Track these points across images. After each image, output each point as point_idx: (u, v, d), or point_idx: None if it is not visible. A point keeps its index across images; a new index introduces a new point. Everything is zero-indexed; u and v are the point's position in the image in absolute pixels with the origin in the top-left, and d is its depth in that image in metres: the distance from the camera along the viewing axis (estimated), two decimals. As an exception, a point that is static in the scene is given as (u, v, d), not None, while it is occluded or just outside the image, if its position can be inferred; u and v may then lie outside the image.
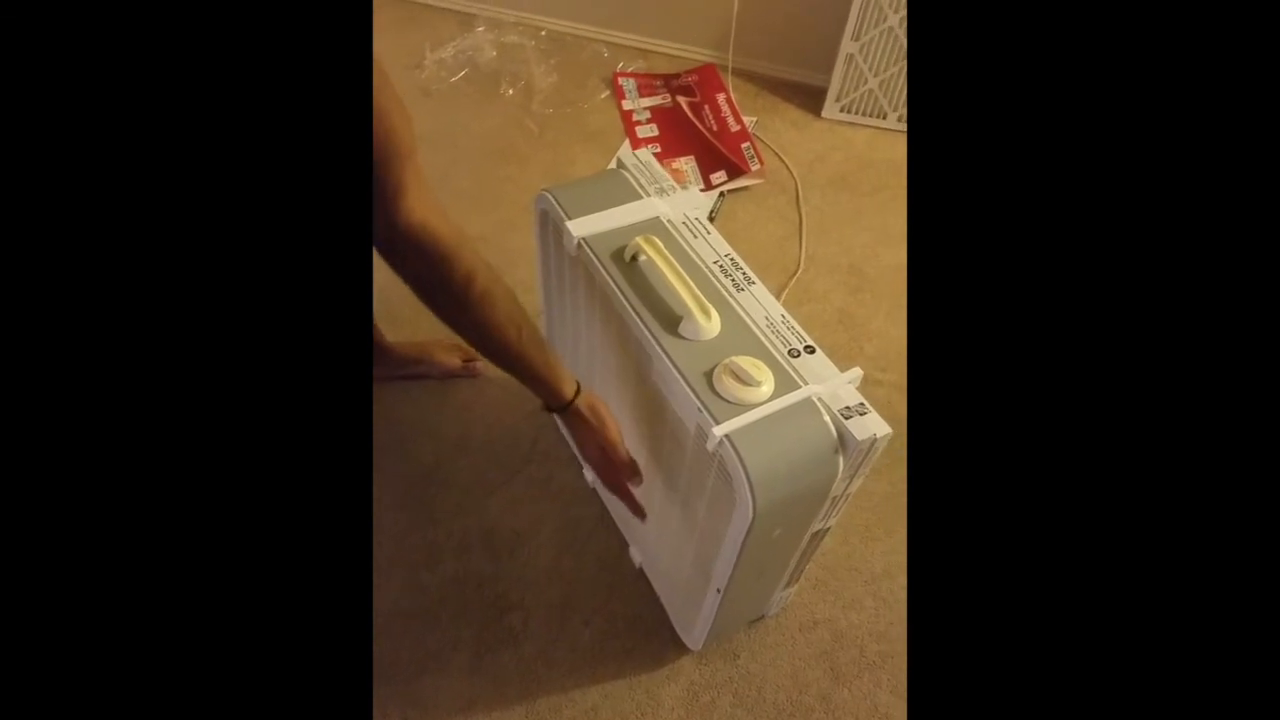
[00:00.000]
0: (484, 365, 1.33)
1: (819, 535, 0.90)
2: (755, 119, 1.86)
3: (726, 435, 0.73)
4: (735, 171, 1.71)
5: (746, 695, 1.04)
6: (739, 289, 0.86)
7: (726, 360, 0.78)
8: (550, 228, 0.97)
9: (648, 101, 1.89)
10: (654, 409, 0.88)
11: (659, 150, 1.78)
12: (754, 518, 0.73)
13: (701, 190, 1.70)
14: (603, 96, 1.90)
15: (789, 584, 1.02)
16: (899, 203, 1.70)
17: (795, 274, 1.54)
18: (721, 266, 0.88)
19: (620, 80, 1.93)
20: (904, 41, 1.72)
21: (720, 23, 1.91)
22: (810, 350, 0.81)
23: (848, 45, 1.76)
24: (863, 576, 1.16)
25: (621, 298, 0.85)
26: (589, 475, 1.21)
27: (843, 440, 0.75)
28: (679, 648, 1.07)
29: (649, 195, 0.94)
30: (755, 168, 1.71)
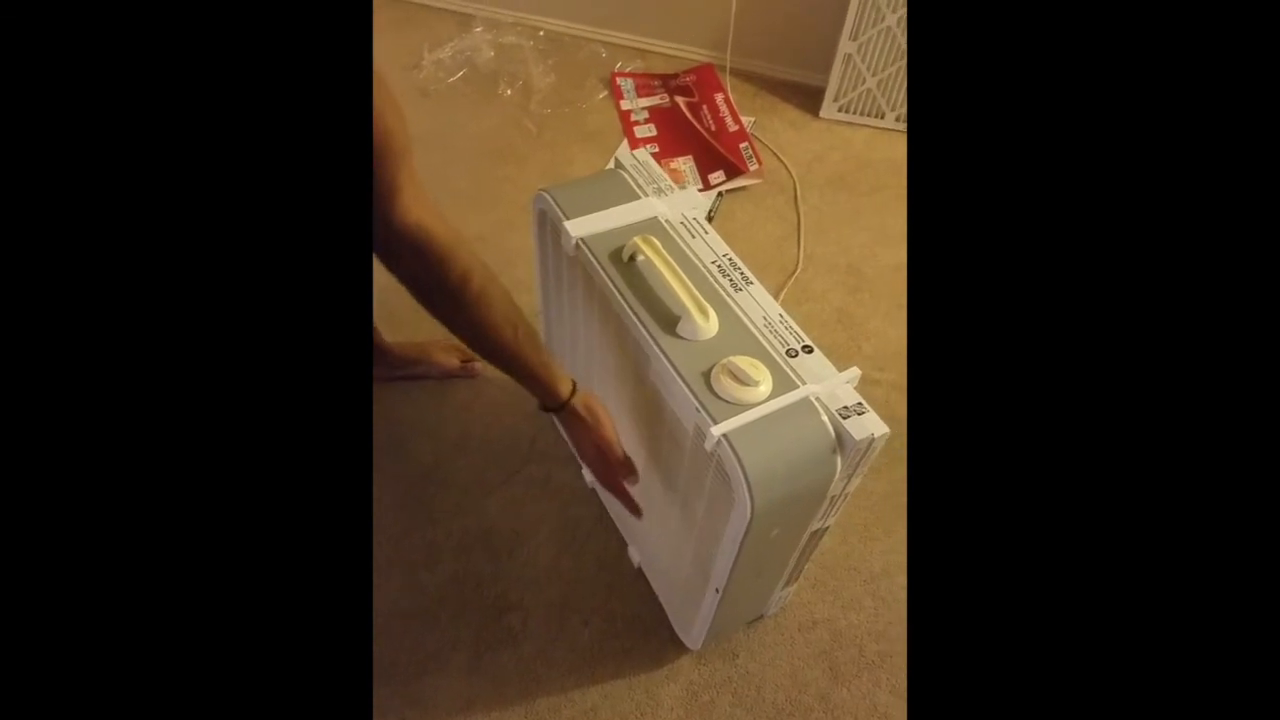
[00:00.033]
0: (482, 366, 1.33)
1: (817, 535, 0.90)
2: (753, 119, 1.86)
3: (724, 435, 0.74)
4: (733, 171, 1.71)
5: (746, 695, 1.04)
6: (737, 289, 0.86)
7: (724, 360, 0.78)
8: (548, 228, 0.97)
9: (646, 101, 1.89)
10: (652, 409, 0.88)
11: (657, 150, 1.78)
12: (752, 517, 0.73)
13: (699, 190, 1.70)
14: (601, 97, 1.90)
15: (788, 583, 1.02)
16: (897, 202, 1.70)
17: (793, 274, 1.54)
18: (719, 266, 0.88)
19: (618, 80, 1.93)
20: (902, 41, 1.73)
21: (718, 23, 1.91)
22: (808, 350, 0.81)
23: (845, 45, 1.76)
24: (861, 576, 1.16)
25: (619, 298, 0.85)
26: (588, 476, 1.21)
27: (840, 440, 0.75)
28: (678, 647, 1.07)
29: (647, 195, 0.94)
30: (753, 168, 1.71)
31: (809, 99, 1.90)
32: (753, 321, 0.83)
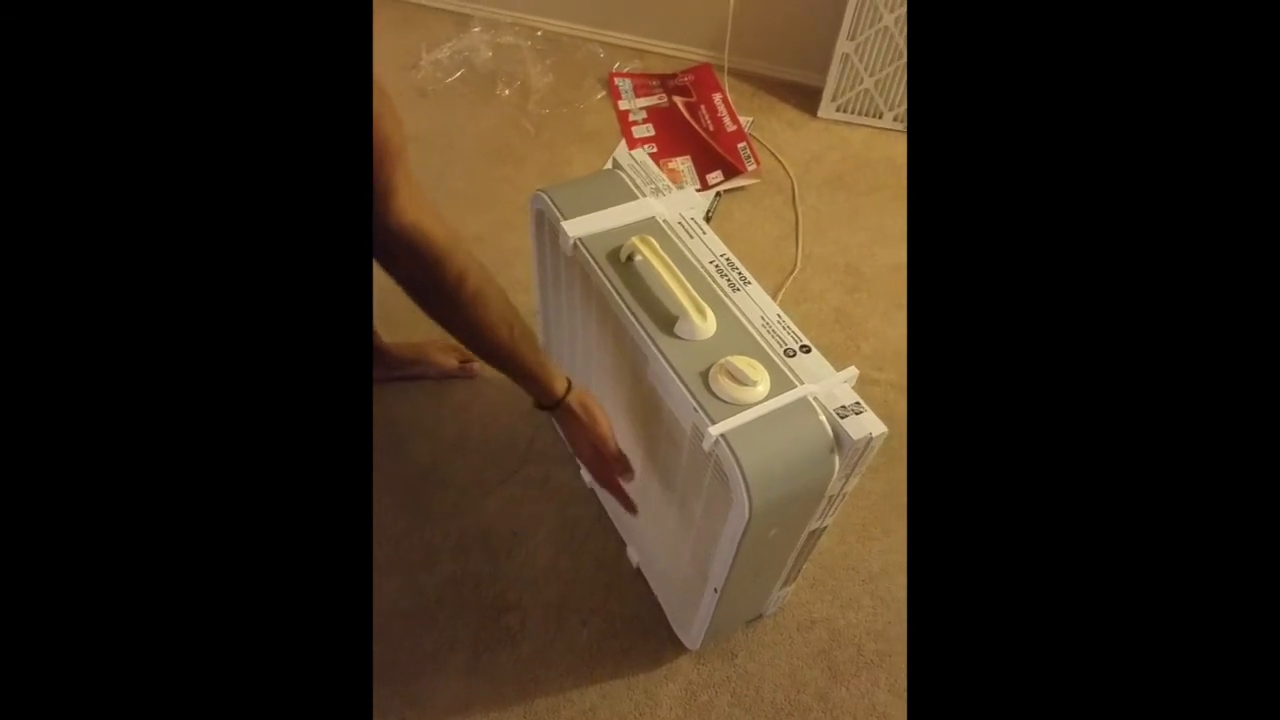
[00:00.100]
0: (481, 366, 1.33)
1: (816, 534, 0.90)
2: (751, 119, 1.86)
3: (722, 435, 0.74)
4: (731, 171, 1.71)
5: (744, 694, 1.04)
6: (735, 289, 0.86)
7: (722, 360, 0.78)
8: (546, 228, 0.97)
9: (644, 102, 1.89)
10: (650, 409, 0.88)
11: (655, 150, 1.78)
12: (750, 517, 0.73)
13: (698, 190, 1.70)
14: (599, 97, 1.90)
15: (786, 583, 1.02)
16: (895, 202, 1.70)
17: (792, 273, 1.54)
18: (717, 266, 0.88)
19: (616, 80, 1.93)
20: (899, 41, 1.73)
21: (716, 23, 1.91)
22: (806, 350, 0.81)
23: (843, 45, 1.76)
24: (860, 575, 1.16)
25: (617, 298, 0.85)
26: (586, 476, 1.21)
27: (838, 439, 0.75)
28: (677, 647, 1.07)
29: (645, 195, 0.94)
30: (751, 168, 1.71)
31: (807, 99, 1.90)
32: (751, 321, 0.83)
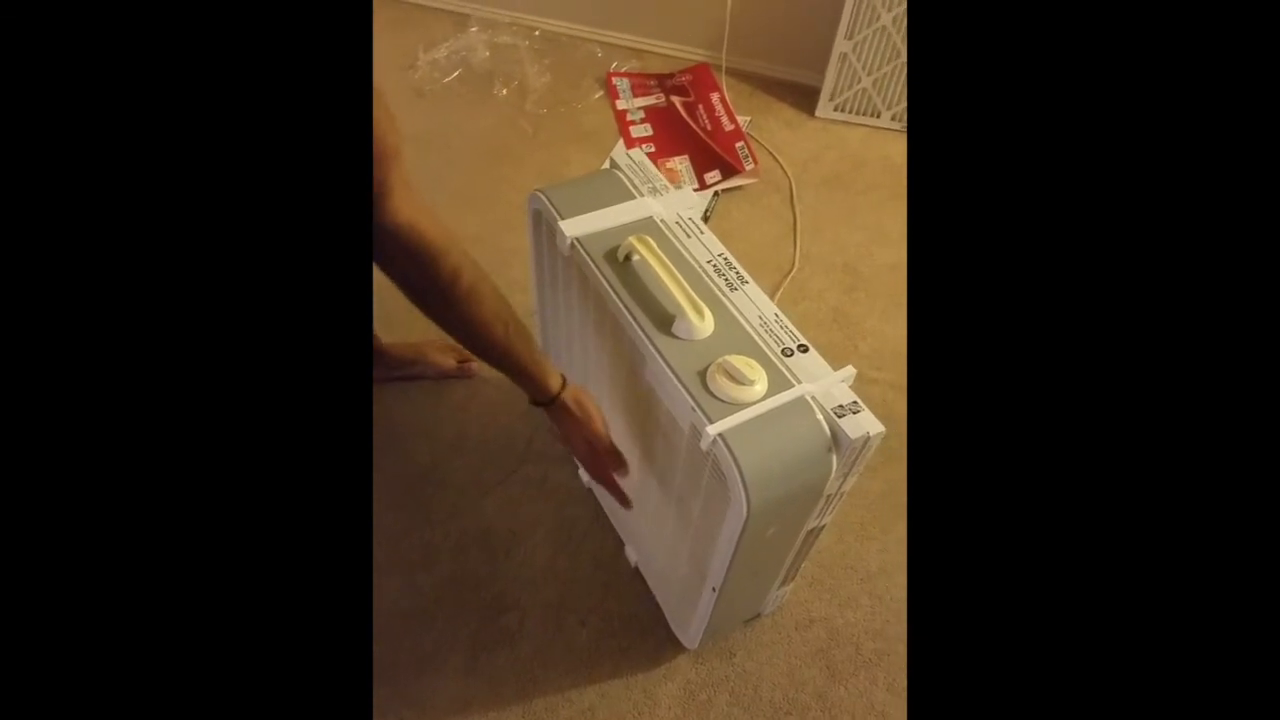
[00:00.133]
0: (479, 366, 1.33)
1: (814, 533, 0.90)
2: (749, 118, 1.86)
3: (720, 434, 0.74)
4: (729, 171, 1.71)
5: (743, 694, 1.04)
6: (732, 288, 0.86)
7: (720, 359, 0.78)
8: (543, 228, 0.97)
9: (642, 101, 1.89)
10: (648, 408, 0.89)
11: (653, 150, 1.78)
12: (748, 516, 0.73)
13: (695, 190, 1.70)
14: (597, 97, 1.90)
15: (784, 582, 1.02)
16: (893, 202, 1.70)
17: (790, 273, 1.54)
18: (715, 266, 0.88)
19: (614, 80, 1.93)
20: (897, 40, 1.73)
21: (714, 22, 1.91)
22: (804, 349, 0.81)
23: (841, 44, 1.76)
24: (858, 575, 1.16)
25: (615, 297, 0.85)
26: (584, 475, 1.21)
27: (836, 438, 0.76)
28: (675, 646, 1.07)
29: (642, 195, 0.94)
30: (749, 167, 1.71)
31: (805, 98, 1.91)
32: (748, 321, 0.83)
